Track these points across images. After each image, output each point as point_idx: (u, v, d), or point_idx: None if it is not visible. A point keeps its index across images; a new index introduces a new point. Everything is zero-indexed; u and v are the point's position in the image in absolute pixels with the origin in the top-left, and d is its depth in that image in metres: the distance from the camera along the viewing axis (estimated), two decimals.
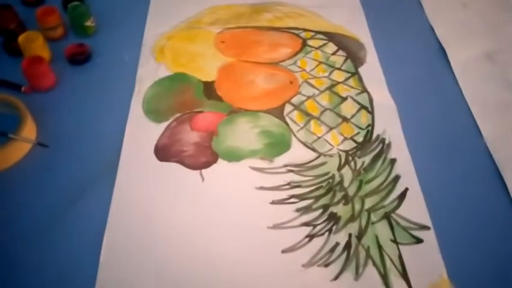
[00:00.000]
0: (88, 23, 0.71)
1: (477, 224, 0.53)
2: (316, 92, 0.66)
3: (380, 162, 0.58)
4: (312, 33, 0.75)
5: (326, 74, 0.69)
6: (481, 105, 0.65)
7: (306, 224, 0.53)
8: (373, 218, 0.53)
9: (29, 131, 0.58)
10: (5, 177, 0.56)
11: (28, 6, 0.77)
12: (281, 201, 0.55)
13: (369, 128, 0.62)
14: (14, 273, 0.48)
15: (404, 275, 0.49)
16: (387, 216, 0.53)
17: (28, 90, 0.64)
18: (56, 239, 0.51)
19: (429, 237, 0.52)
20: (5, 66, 0.68)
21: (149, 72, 0.68)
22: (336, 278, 0.48)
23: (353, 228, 0.52)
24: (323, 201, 0.55)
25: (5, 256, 0.49)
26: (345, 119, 0.63)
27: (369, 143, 0.61)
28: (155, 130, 0.61)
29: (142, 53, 0.71)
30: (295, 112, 0.64)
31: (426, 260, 0.50)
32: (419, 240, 0.52)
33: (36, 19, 0.70)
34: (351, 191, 0.56)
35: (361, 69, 0.70)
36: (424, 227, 0.53)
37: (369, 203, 0.55)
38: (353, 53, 0.72)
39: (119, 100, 0.64)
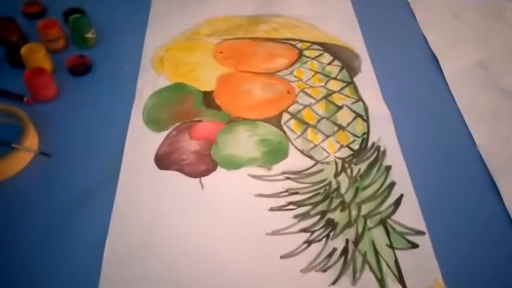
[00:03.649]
0: (89, 35, 0.73)
1: (471, 229, 0.55)
2: (313, 101, 0.68)
3: (375, 169, 0.60)
4: (308, 44, 0.77)
5: (322, 84, 0.71)
6: (474, 113, 0.67)
7: (304, 230, 0.54)
8: (369, 223, 0.54)
9: (32, 140, 0.59)
10: (8, 186, 0.56)
11: (29, 19, 0.78)
12: (279, 208, 0.56)
13: (365, 136, 0.64)
14: (17, 281, 0.49)
15: (401, 279, 0.50)
16: (383, 222, 0.55)
17: (30, 101, 0.65)
18: (58, 246, 0.51)
19: (425, 242, 0.53)
20: (8, 78, 0.69)
21: (149, 82, 0.69)
22: (334, 282, 0.49)
23: (350, 234, 0.54)
24: (320, 207, 0.56)
25: (8, 264, 0.50)
26: (341, 127, 0.65)
27: (365, 151, 0.62)
28: (156, 139, 0.62)
29: (142, 64, 0.72)
30: (293, 121, 0.65)
31: (422, 264, 0.51)
32: (414, 245, 0.53)
33: (37, 31, 0.71)
34: (347, 198, 0.57)
35: (356, 79, 0.71)
36: (419, 232, 0.54)
37: (365, 209, 0.56)
38: (348, 63, 0.74)
39: (119, 110, 0.66)
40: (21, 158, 0.58)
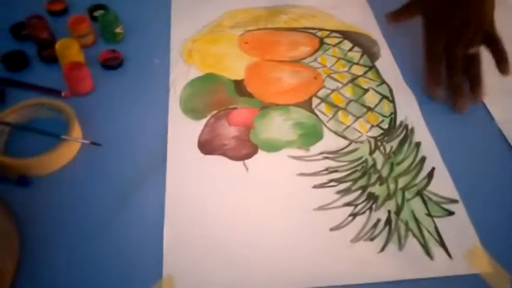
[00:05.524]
0: (118, 30, 0.74)
1: (500, 194, 0.59)
2: (340, 85, 0.71)
3: (406, 146, 0.64)
4: (327, 32, 0.81)
5: (346, 69, 0.74)
6: (488, 91, 0.71)
7: (347, 204, 0.57)
8: (407, 195, 0.58)
9: (77, 132, 0.61)
10: (60, 175, 0.58)
11: (53, 16, 0.79)
12: (322, 185, 0.59)
13: (392, 115, 0.67)
14: (75, 271, 0.50)
15: (442, 243, 0.54)
16: (419, 193, 0.58)
17: (68, 95, 0.66)
18: (115, 233, 0.53)
19: (459, 209, 0.57)
20: (40, 74, 0.70)
21: (181, 73, 0.71)
22: (382, 249, 0.53)
23: (391, 205, 0.57)
24: (360, 183, 0.59)
25: (67, 252, 0.52)
26: (369, 109, 0.68)
27: (394, 129, 0.66)
28: (196, 126, 0.64)
29: (172, 57, 0.74)
30: (323, 104, 0.69)
31: (460, 230, 0.55)
32: (450, 213, 0.57)
33: (67, 27, 0.73)
34: (384, 173, 0.61)
35: (377, 63, 0.75)
36: (453, 201, 0.58)
37: (402, 182, 0.60)
38: (367, 49, 0.78)
39: (156, 101, 0.68)
40: (70, 149, 0.60)
